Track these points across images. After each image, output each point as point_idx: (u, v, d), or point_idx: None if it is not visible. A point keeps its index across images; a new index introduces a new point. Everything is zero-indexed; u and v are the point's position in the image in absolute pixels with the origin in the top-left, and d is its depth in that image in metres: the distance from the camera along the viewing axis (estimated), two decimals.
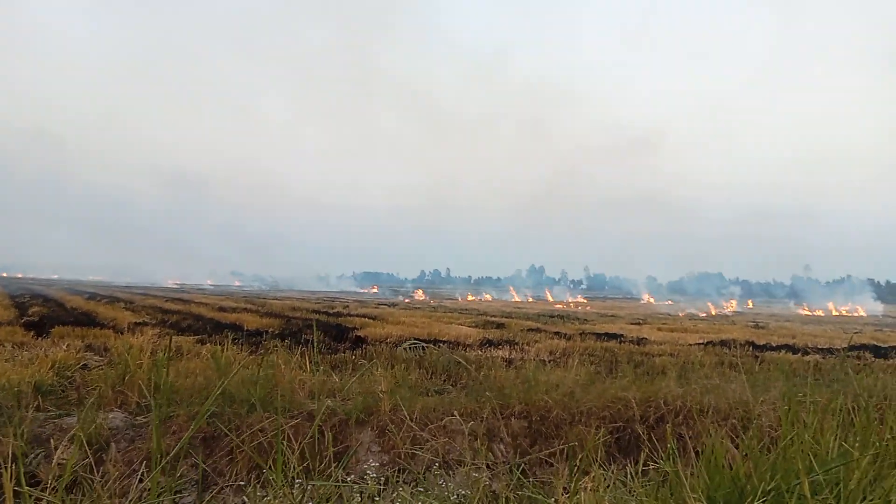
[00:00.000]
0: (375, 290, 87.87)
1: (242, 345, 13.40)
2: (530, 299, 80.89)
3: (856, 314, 62.67)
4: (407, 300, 63.12)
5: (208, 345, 12.76)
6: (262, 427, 5.60)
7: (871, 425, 3.28)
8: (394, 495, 2.69)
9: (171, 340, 8.09)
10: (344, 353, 13.11)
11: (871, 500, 2.84)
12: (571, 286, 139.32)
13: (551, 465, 6.56)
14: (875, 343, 21.60)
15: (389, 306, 42.57)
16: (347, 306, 38.63)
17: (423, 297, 71.75)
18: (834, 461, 2.97)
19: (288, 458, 3.10)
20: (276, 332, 18.39)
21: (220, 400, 6.84)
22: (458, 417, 6.97)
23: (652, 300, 78.89)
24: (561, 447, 6.43)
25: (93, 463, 4.67)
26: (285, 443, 2.86)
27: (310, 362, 9.55)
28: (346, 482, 3.07)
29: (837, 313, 64.25)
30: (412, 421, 7.05)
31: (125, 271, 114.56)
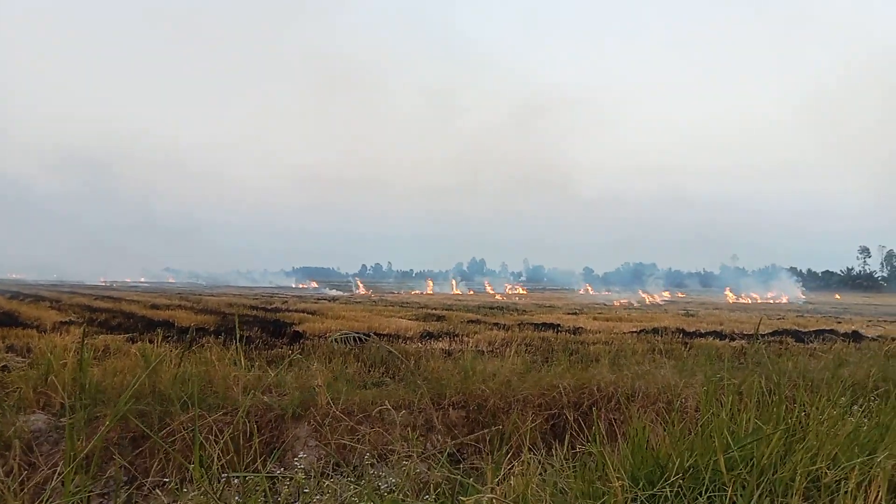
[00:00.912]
0: (315, 286, 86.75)
1: (175, 342, 13.04)
2: (471, 292, 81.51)
3: (780, 301, 65.73)
4: (347, 294, 62.64)
5: (139, 343, 12.36)
6: (193, 425, 5.48)
7: (783, 404, 3.47)
8: (323, 486, 2.69)
9: (83, 336, 7.80)
10: (281, 348, 12.92)
11: (780, 473, 3.00)
12: (512, 278, 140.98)
13: (488, 452, 6.66)
14: (796, 328, 22.72)
15: (329, 301, 42.17)
16: (286, 302, 38.05)
17: (365, 292, 71.32)
18: (748, 438, 3.12)
19: (218, 455, 3.04)
20: (212, 328, 17.97)
21: (150, 398, 6.66)
22: (394, 409, 6.99)
23: (590, 290, 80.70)
24: (493, 434, 6.53)
25: (16, 467, 4.47)
26: (216, 439, 2.82)
27: (245, 358, 9.38)
28: (279, 475, 3.04)
29: (763, 301, 67.25)
30: (349, 414, 7.03)
31: (51, 269, 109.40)
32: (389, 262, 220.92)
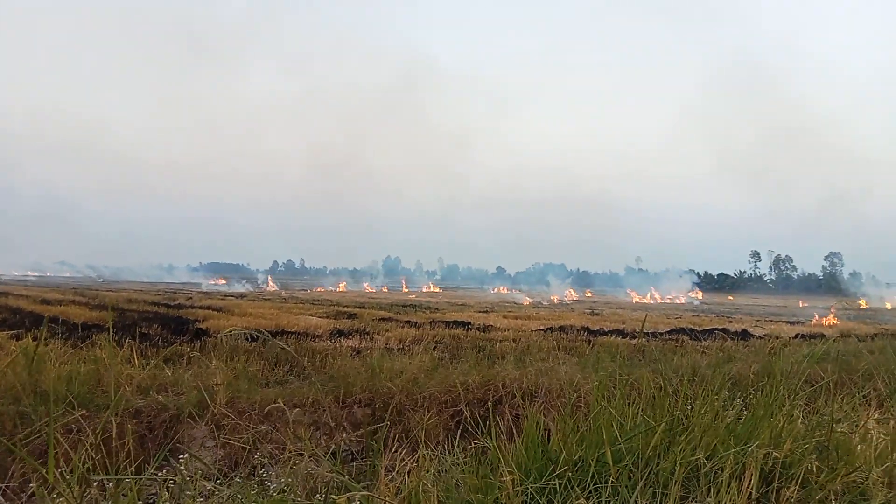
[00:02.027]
0: (223, 282, 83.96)
1: (66, 339, 12.27)
2: (385, 290, 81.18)
3: (678, 302, 69.09)
4: (257, 291, 60.98)
5: (24, 340, 11.55)
6: (77, 426, 5.16)
7: (668, 398, 3.62)
8: (204, 488, 2.58)
9: None
10: (181, 345, 12.41)
11: (663, 464, 3.13)
12: (426, 276, 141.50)
13: (393, 450, 6.64)
14: (692, 327, 23.94)
15: (237, 298, 40.92)
16: (191, 298, 36.63)
17: (275, 288, 69.67)
18: (634, 431, 3.24)
19: (100, 458, 2.87)
20: (108, 325, 17.04)
21: (33, 398, 6.23)
22: (297, 408, 6.86)
23: (502, 290, 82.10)
24: (398, 431, 6.52)
25: None
26: (101, 441, 2.67)
27: (140, 356, 8.94)
28: (166, 478, 2.90)
29: (663, 301, 70.50)
30: (250, 413, 6.84)
31: None
32: (302, 259, 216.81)
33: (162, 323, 18.40)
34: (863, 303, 61.25)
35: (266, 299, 40.21)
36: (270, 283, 77.48)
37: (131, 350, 8.77)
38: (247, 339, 9.70)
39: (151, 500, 2.89)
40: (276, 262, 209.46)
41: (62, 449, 2.76)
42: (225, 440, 5.49)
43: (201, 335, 15.34)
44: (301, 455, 2.99)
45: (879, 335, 21.68)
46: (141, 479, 2.42)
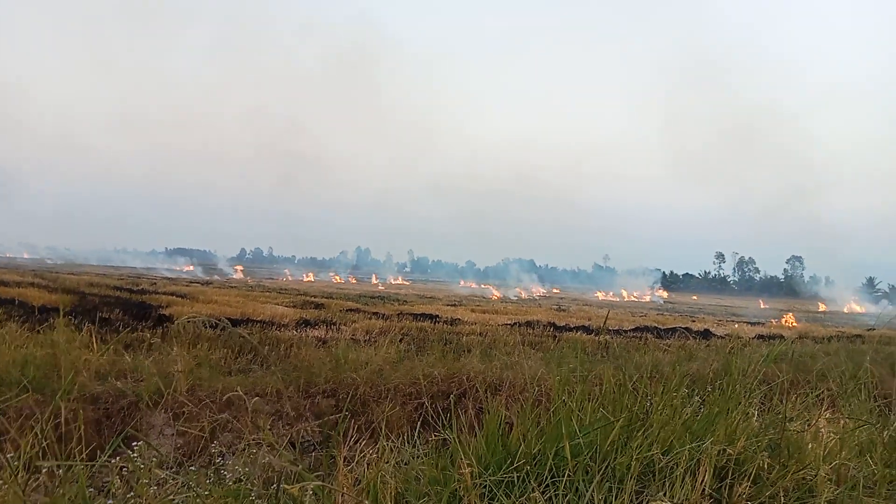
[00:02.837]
0: (190, 268, 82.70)
1: (23, 322, 11.97)
2: (354, 280, 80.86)
3: (644, 300, 70.10)
4: (223, 278, 60.24)
5: None
6: (31, 411, 5.05)
7: (627, 394, 3.66)
8: (157, 476, 2.54)
9: None
10: (143, 332, 12.20)
11: (620, 458, 3.17)
12: (396, 268, 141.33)
13: (355, 441, 6.63)
14: (656, 325, 24.32)
15: (202, 284, 40.37)
16: (155, 283, 36.03)
17: (242, 276, 68.91)
18: (593, 426, 3.27)
19: (48, 444, 2.80)
20: (68, 309, 16.67)
21: None
22: (260, 398, 6.79)
23: (472, 284, 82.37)
24: (361, 422, 6.51)
25: None
26: (56, 427, 2.60)
27: (100, 342, 8.77)
28: (120, 466, 2.85)
29: (629, 298, 71.45)
30: (210, 402, 6.76)
31: None
32: (270, 248, 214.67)
33: (124, 308, 18.06)
34: (822, 306, 62.86)
35: (232, 287, 39.75)
36: (238, 271, 76.61)
37: (90, 335, 8.60)
38: (207, 326, 9.59)
39: (104, 488, 2.84)
40: (243, 250, 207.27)
41: (10, 435, 2.69)
42: (183, 428, 5.41)
43: (164, 321, 15.10)
44: (260, 445, 2.96)
45: (835, 337, 22.30)
46: (93, 465, 2.37)
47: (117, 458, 2.65)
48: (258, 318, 17.57)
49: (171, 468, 3.40)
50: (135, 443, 2.96)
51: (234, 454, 3.71)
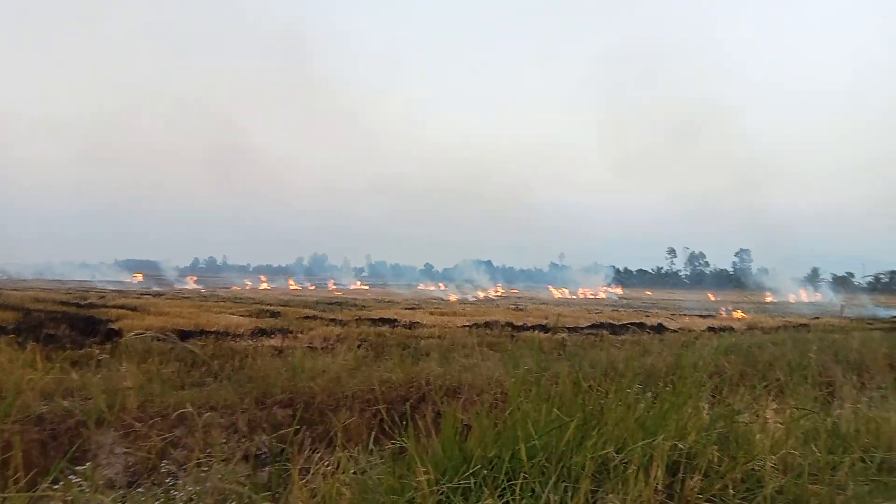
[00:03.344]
0: (139, 279, 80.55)
1: None
2: (311, 287, 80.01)
3: (600, 297, 71.19)
4: (176, 289, 58.88)
5: None
6: None
7: (581, 393, 3.71)
8: (102, 500, 2.46)
9: None
10: (91, 347, 11.83)
11: (575, 458, 3.21)
12: (354, 273, 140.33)
13: (312, 452, 6.54)
14: (611, 322, 24.71)
15: (154, 296, 39.36)
16: (104, 297, 34.98)
17: (195, 286, 67.48)
18: (548, 427, 3.30)
19: None
20: (11, 326, 16.05)
21: None
22: (213, 411, 6.64)
23: (431, 286, 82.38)
24: (319, 432, 6.43)
25: None
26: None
27: (45, 360, 8.46)
28: (65, 492, 2.74)
29: (585, 296, 72.47)
30: (163, 418, 6.58)
31: None
32: (224, 257, 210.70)
33: (71, 323, 17.47)
34: (768, 297, 64.78)
35: (185, 297, 38.87)
36: (191, 281, 74.97)
37: (35, 353, 8.30)
38: (158, 340, 9.35)
39: None
40: (196, 259, 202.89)
41: None
42: (129, 448, 5.26)
43: (114, 336, 14.66)
44: (213, 461, 2.89)
45: (782, 327, 23.02)
46: (32, 494, 2.27)
47: (60, 483, 2.55)
48: (212, 329, 17.21)
49: (121, 489, 3.30)
50: (79, 466, 2.86)
51: (185, 472, 3.61)
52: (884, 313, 40.96)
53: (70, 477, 2.65)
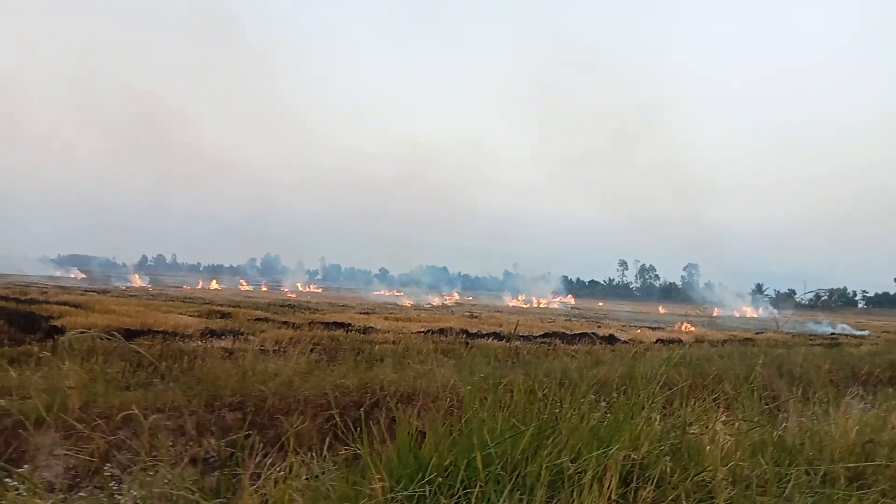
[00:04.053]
0: (83, 276, 78.03)
1: None
2: (265, 288, 78.81)
3: (553, 306, 72.02)
4: (122, 287, 57.25)
5: None
6: None
7: (536, 402, 3.72)
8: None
9: None
10: (31, 344, 11.38)
11: (531, 467, 3.21)
12: (307, 276, 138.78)
13: (263, 457, 6.41)
14: (564, 331, 24.99)
15: (99, 293, 38.17)
16: (46, 292, 33.75)
17: (143, 284, 65.74)
18: (503, 435, 3.30)
19: None
20: None
21: None
22: (160, 413, 6.45)
23: (386, 291, 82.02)
24: (270, 436, 6.31)
25: None
26: None
27: None
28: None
29: (538, 305, 73.23)
30: (106, 419, 6.36)
31: None
32: (174, 254, 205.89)
33: (9, 319, 16.76)
34: (715, 311, 66.48)
35: (132, 295, 37.82)
36: (138, 279, 73.01)
37: None
38: (102, 338, 9.05)
39: None
40: (145, 257, 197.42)
41: None
42: (70, 450, 5.06)
43: (55, 333, 14.13)
44: (159, 465, 2.80)
45: (729, 341, 23.66)
46: None
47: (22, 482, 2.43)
48: (160, 329, 16.76)
49: (61, 493, 3.16)
50: (17, 468, 2.73)
51: (130, 476, 3.49)
52: (824, 329, 42.52)
53: (6, 480, 2.52)
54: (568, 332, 24.79)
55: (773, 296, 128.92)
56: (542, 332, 23.62)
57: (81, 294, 34.63)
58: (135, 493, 2.72)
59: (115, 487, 3.12)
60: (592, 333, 24.03)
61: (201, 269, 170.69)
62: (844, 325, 46.93)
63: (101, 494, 2.77)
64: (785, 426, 4.66)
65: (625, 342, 20.82)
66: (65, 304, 24.71)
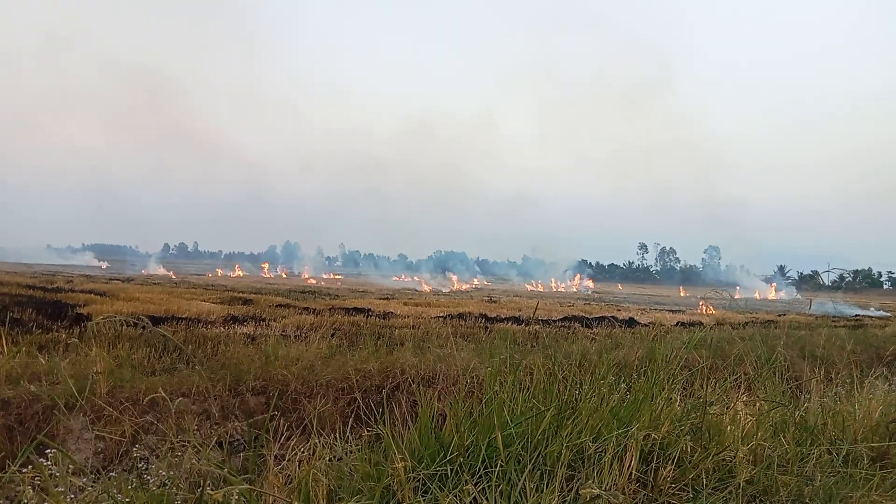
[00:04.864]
0: (106, 265, 79.20)
1: None
2: (285, 275, 79.44)
3: (572, 290, 71.80)
4: (146, 275, 58.03)
5: None
6: None
7: (556, 383, 3.73)
8: (73, 484, 2.42)
9: None
10: (59, 332, 11.61)
11: (551, 447, 3.23)
12: (327, 263, 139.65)
13: (286, 439, 6.51)
14: (583, 315, 24.93)
15: (123, 281, 38.74)
16: (71, 281, 34.32)
17: (166, 272, 66.59)
18: (524, 416, 3.32)
19: None
20: None
21: None
22: (184, 397, 6.58)
23: (405, 277, 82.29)
24: (293, 419, 6.40)
25: None
26: None
27: (10, 343, 8.30)
28: (32, 475, 2.69)
29: (557, 289, 73.05)
30: (133, 403, 6.49)
31: None
32: (196, 243, 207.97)
33: (37, 307, 17.11)
34: (737, 293, 65.87)
35: (156, 283, 38.33)
36: (160, 266, 73.95)
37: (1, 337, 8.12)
38: (126, 325, 9.21)
39: (16, 498, 2.68)
40: (167, 245, 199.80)
41: None
42: (102, 433, 5.18)
43: (82, 321, 14.40)
44: (186, 446, 2.86)
45: (750, 323, 23.46)
46: (0, 476, 2.23)
47: (29, 466, 2.50)
48: (183, 316, 17.00)
49: (91, 474, 3.24)
50: (50, 450, 2.81)
51: (157, 458, 3.57)
52: (848, 311, 41.97)
53: (41, 460, 2.60)
54: (587, 315, 24.73)
55: (797, 277, 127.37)
56: (561, 316, 23.59)
57: (106, 283, 35.18)
58: (163, 474, 2.79)
59: (143, 468, 3.20)
60: (612, 317, 23.95)
61: (222, 256, 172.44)
62: (873, 308, 46.27)
63: (131, 475, 2.85)
64: (807, 406, 4.63)
65: (644, 325, 20.73)
66: (90, 292, 25.14)
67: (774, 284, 77.16)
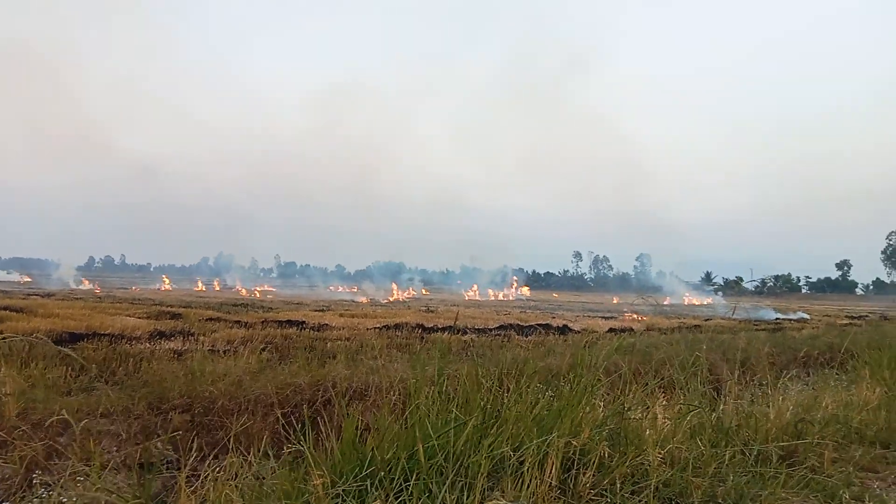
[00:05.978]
0: (28, 280, 75.28)
1: None
2: (217, 288, 77.35)
3: (509, 298, 72.61)
4: (68, 289, 55.43)
5: None
6: None
7: (482, 392, 3.74)
8: None
9: None
10: None
11: (473, 457, 3.23)
12: (262, 274, 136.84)
13: (210, 458, 6.29)
14: (519, 322, 25.22)
15: (43, 297, 36.86)
16: None
17: (89, 286, 63.80)
18: (446, 427, 3.31)
19: None
20: None
21: None
22: (103, 417, 6.28)
23: (342, 288, 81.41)
24: (220, 437, 6.20)
25: None
26: None
27: None
28: None
29: (495, 298, 73.73)
30: (47, 426, 6.16)
31: None
32: (123, 255, 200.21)
33: None
34: (666, 299, 67.99)
35: (78, 298, 36.62)
36: (85, 281, 70.83)
37: None
38: (27, 345, 8.76)
39: None
40: (92, 258, 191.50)
41: None
42: (6, 461, 4.89)
43: None
44: (92, 470, 2.72)
45: (678, 328, 24.24)
46: None
47: None
48: (106, 332, 16.29)
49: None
50: None
51: (63, 484, 3.40)
52: (769, 315, 43.94)
53: None
54: (522, 323, 25.02)
55: (722, 283, 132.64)
56: (497, 325, 23.78)
57: (23, 298, 33.39)
58: (64, 501, 2.64)
59: (44, 495, 3.02)
60: (546, 325, 24.32)
61: (151, 269, 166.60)
62: (800, 312, 48.60)
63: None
64: (723, 409, 4.80)
65: (577, 332, 21.13)
66: (5, 308, 23.78)
67: (699, 294, 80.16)
